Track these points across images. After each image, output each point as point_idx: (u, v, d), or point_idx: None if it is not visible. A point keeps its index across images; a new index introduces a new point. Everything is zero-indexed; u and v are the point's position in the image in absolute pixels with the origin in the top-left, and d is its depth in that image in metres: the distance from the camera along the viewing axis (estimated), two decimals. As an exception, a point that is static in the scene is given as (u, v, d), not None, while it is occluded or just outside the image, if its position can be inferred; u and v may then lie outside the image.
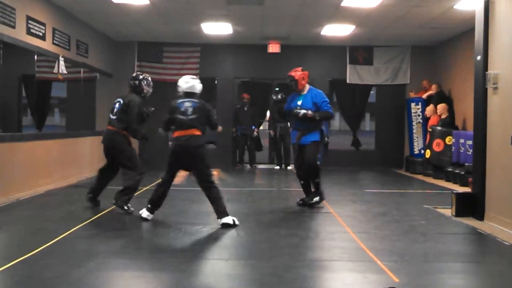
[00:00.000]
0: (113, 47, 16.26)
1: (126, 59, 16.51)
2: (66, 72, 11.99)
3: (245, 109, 16.55)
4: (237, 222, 7.69)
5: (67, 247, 6.31)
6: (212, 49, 16.74)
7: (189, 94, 8.04)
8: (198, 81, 8.22)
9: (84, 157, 13.64)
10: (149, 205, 8.03)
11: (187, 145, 7.81)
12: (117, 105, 8.74)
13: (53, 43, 11.71)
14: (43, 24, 11.16)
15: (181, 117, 7.83)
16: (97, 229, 7.36)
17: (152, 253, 6.21)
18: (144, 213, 8.00)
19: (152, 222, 7.93)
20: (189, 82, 8.11)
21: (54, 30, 11.73)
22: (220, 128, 8.55)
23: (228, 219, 7.64)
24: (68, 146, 12.61)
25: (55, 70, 11.72)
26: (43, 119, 12.16)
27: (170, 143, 9.88)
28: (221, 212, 7.70)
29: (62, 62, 11.82)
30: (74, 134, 13.15)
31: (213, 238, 6.98)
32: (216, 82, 17.23)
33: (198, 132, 7.85)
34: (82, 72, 13.53)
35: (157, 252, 6.23)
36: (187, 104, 7.89)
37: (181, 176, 8.94)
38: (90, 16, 13.19)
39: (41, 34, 11.04)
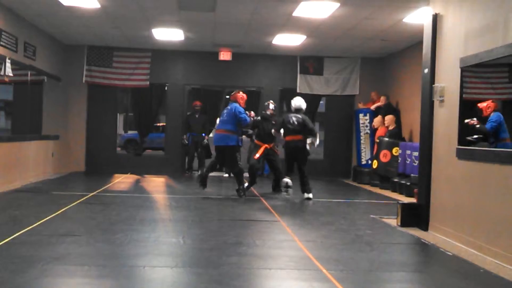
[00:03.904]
0: (62, 50, 16.00)
1: (75, 63, 16.30)
2: (12, 75, 11.74)
3: (196, 116, 16.48)
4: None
5: (10, 253, 6.16)
6: (163, 55, 16.66)
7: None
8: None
9: (29, 161, 13.37)
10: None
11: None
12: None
13: (0, 45, 11.46)
14: (-10, 25, 10.93)
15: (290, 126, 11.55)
16: (41, 234, 7.21)
17: (97, 260, 6.12)
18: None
19: (98, 228, 7.83)
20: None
21: (1, 31, 11.48)
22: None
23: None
24: (13, 149, 12.34)
25: (1, 72, 11.47)
26: (-13, 121, 11.92)
27: None
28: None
29: (8, 64, 11.57)
30: (20, 137, 12.86)
31: (159, 245, 6.91)
32: (166, 88, 17.15)
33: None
34: (29, 75, 13.27)
35: (103, 259, 6.15)
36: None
37: None
38: (39, 18, 12.96)
39: (-13, 34, 10.80)
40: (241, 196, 11.54)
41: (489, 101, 7.70)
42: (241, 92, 12.08)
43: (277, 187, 12.38)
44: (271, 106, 12.86)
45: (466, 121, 7.72)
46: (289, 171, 11.80)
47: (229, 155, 11.66)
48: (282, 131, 11.88)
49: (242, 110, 11.65)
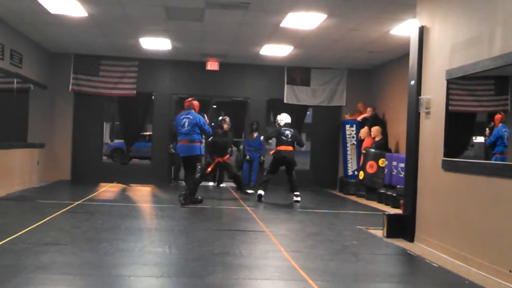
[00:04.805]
0: (48, 58, 15.93)
1: (62, 71, 16.23)
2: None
3: (183, 125, 16.44)
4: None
5: (-7, 262, 6.11)
6: (150, 64, 16.64)
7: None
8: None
9: (14, 169, 13.29)
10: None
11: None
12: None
13: (-14, 52, 11.41)
14: (-24, 32, 10.87)
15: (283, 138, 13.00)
16: (25, 243, 7.15)
17: (82, 269, 6.07)
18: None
19: (83, 237, 7.79)
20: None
21: (-13, 38, 11.44)
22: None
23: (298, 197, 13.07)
24: (-2, 157, 12.27)
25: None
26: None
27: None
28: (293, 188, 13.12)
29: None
30: (5, 145, 12.77)
31: (145, 255, 6.88)
32: (153, 97, 17.12)
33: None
34: (15, 82, 13.20)
35: (88, 268, 6.10)
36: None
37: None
38: (26, 26, 12.91)
39: (-27, 42, 10.74)
40: (183, 203, 11.52)
41: (501, 114, 7.72)
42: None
43: (239, 188, 13.92)
44: (228, 120, 14.14)
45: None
46: (271, 173, 13.25)
47: (192, 163, 11.84)
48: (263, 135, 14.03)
49: (204, 120, 11.79)
